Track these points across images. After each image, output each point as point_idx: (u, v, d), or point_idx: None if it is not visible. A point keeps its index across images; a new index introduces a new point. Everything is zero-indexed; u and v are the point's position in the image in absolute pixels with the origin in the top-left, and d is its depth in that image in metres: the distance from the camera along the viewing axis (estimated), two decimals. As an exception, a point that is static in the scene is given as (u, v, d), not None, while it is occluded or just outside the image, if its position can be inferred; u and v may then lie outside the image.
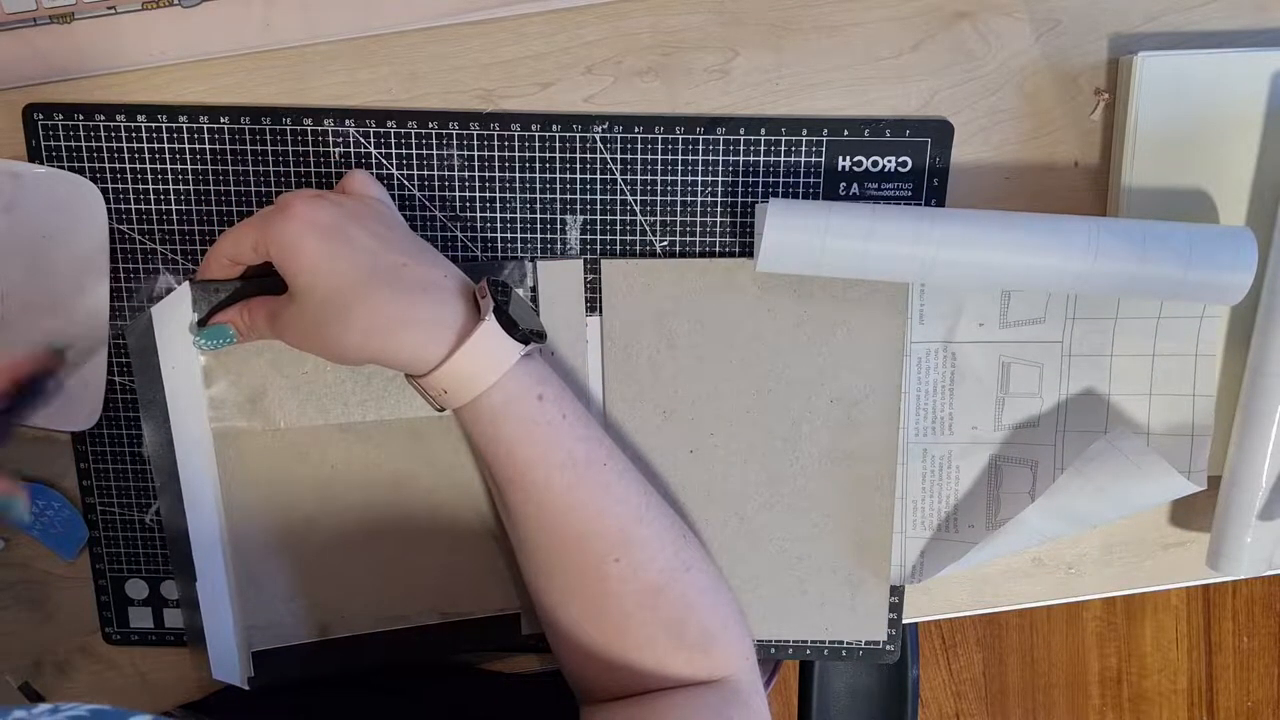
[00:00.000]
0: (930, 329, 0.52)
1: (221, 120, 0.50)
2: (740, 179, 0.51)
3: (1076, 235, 0.46)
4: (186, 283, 0.49)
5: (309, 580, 0.52)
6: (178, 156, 0.50)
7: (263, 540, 0.51)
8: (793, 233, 0.46)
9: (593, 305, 0.52)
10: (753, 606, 0.54)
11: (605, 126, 0.50)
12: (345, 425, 0.51)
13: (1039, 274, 0.46)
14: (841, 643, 0.55)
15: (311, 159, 0.50)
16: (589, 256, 0.51)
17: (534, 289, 0.51)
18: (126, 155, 0.50)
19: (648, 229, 0.51)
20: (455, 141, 0.50)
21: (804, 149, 0.50)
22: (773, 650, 0.56)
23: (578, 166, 0.51)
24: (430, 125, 0.50)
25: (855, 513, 0.53)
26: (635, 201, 0.51)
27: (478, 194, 0.51)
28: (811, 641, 0.55)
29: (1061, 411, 0.52)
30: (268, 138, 0.50)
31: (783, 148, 0.50)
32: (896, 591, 0.55)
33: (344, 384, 0.50)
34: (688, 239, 0.51)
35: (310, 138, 0.50)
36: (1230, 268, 0.46)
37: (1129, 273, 0.46)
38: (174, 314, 0.49)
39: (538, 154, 0.50)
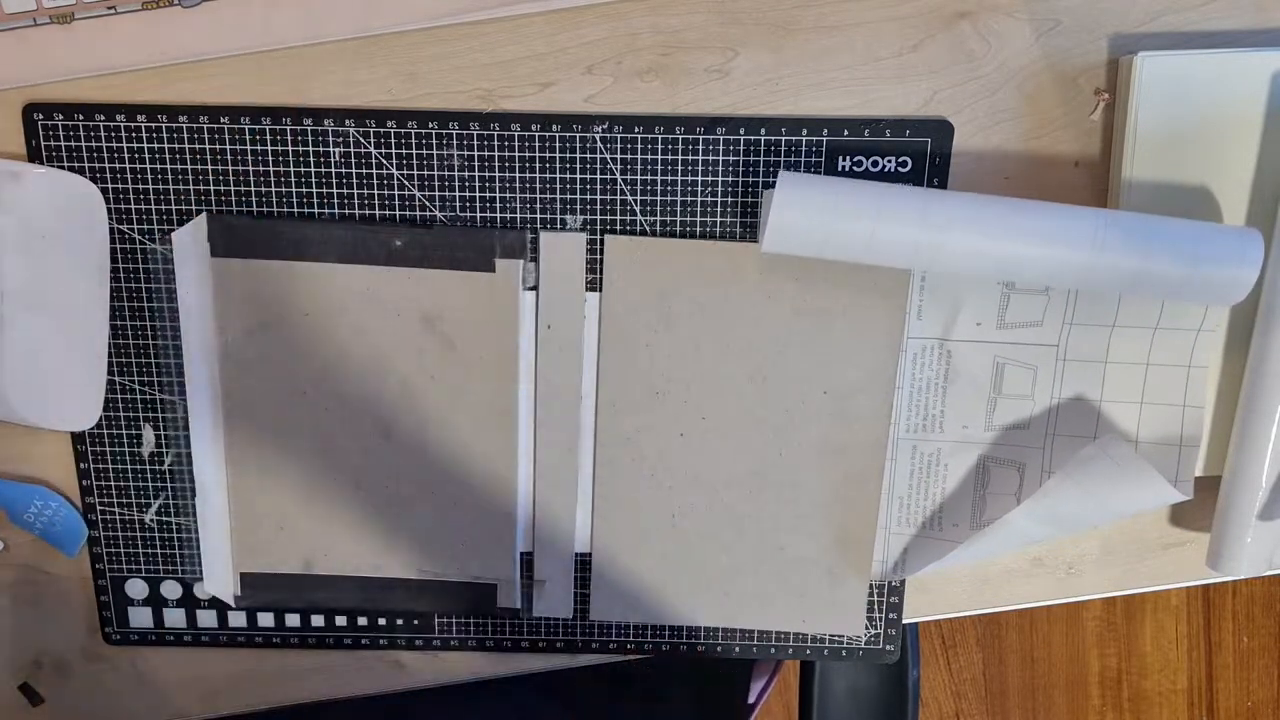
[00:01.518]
0: (928, 325, 0.52)
1: (221, 120, 0.50)
2: (740, 179, 0.51)
3: (1083, 225, 0.46)
4: (204, 213, 0.51)
5: (298, 514, 0.54)
6: (178, 156, 0.50)
7: (259, 466, 0.53)
8: (800, 210, 0.46)
9: (593, 284, 0.52)
10: (732, 593, 0.54)
11: (605, 126, 0.50)
12: (341, 374, 0.52)
13: (1044, 264, 0.46)
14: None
15: (311, 159, 0.50)
16: (591, 234, 0.51)
17: (535, 260, 0.51)
18: (126, 155, 0.50)
19: (648, 229, 0.51)
20: (455, 141, 0.50)
21: (804, 149, 0.50)
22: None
23: (578, 166, 0.51)
24: (430, 125, 0.50)
25: (841, 506, 0.53)
26: (635, 201, 0.51)
27: (478, 194, 0.51)
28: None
29: (1052, 415, 0.52)
30: (268, 138, 0.50)
31: (783, 148, 0.50)
32: (896, 591, 0.55)
33: (341, 337, 0.51)
34: (687, 239, 0.51)
35: (310, 138, 0.50)
36: (1236, 265, 0.46)
37: (1134, 267, 0.46)
38: (192, 240, 0.50)
39: (538, 154, 0.50)
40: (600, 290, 0.52)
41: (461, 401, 0.52)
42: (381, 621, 0.56)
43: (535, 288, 0.52)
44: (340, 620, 0.56)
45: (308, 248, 0.50)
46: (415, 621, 0.56)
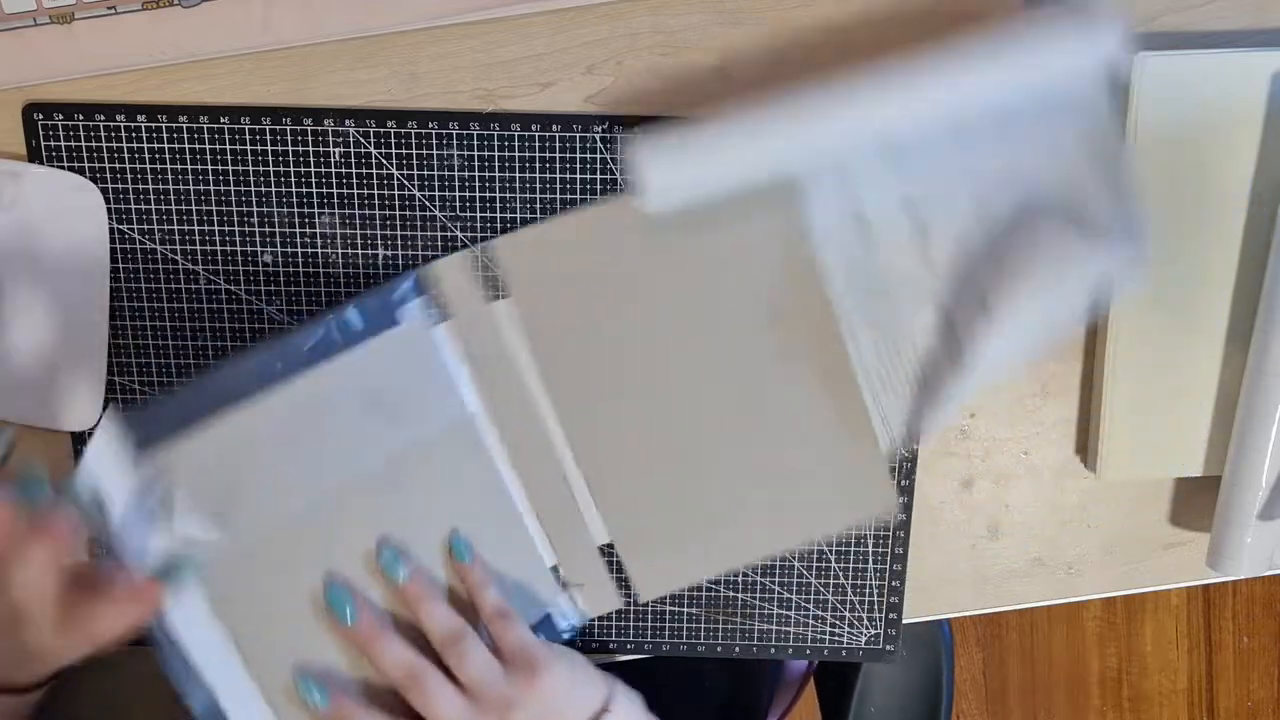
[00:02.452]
0: (830, 206, 0.50)
1: (221, 120, 0.50)
2: (740, 179, 0.51)
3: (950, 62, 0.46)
4: (110, 409, 0.47)
5: (314, 653, 0.49)
6: (178, 156, 0.50)
7: (268, 635, 0.49)
8: (671, 168, 0.46)
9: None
10: (758, 521, 0.53)
11: (605, 126, 0.50)
12: (311, 499, 0.49)
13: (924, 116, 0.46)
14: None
15: (311, 159, 0.50)
16: (477, 252, 0.51)
17: (436, 294, 0.50)
18: (126, 155, 0.50)
19: (648, 229, 0.51)
20: (455, 141, 0.50)
21: (804, 149, 0.50)
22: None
23: (578, 166, 0.51)
24: (430, 125, 0.50)
25: (825, 403, 0.52)
26: (635, 201, 0.51)
27: (478, 194, 0.51)
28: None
29: (987, 235, 0.50)
30: (268, 138, 0.50)
31: (783, 148, 0.50)
32: (896, 592, 0.55)
33: (300, 462, 0.48)
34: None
35: (310, 138, 0.50)
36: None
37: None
38: (107, 456, 0.45)
39: (538, 154, 0.50)
40: (510, 295, 0.51)
41: (430, 466, 0.50)
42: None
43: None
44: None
45: (225, 394, 0.47)
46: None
